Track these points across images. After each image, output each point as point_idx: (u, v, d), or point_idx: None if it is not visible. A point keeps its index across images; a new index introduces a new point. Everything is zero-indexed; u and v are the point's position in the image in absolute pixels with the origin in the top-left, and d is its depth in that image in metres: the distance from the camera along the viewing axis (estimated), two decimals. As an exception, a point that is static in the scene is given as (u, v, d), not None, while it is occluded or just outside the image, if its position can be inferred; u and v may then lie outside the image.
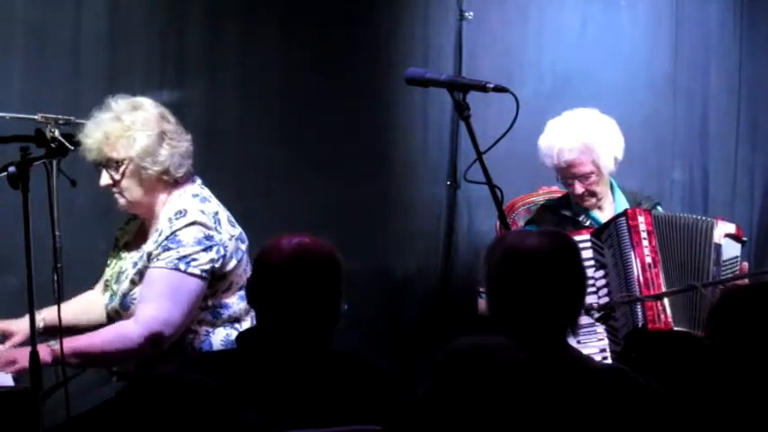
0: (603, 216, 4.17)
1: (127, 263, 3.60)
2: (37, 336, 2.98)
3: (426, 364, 2.08)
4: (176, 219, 3.45)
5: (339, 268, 2.79)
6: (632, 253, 3.81)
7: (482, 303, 4.16)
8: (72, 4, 4.41)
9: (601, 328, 3.81)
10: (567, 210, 4.23)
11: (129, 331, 3.39)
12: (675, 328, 3.75)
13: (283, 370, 2.70)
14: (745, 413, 2.35)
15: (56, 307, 3.17)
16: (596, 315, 3.79)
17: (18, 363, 3.25)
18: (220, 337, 3.53)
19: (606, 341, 3.80)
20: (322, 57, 4.80)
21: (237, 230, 3.57)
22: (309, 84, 4.77)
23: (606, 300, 3.83)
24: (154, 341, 3.36)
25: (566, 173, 4.14)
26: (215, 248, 3.45)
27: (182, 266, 3.40)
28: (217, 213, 3.52)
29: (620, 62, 5.25)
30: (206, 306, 3.51)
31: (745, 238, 4.02)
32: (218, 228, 3.49)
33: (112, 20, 4.46)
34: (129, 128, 3.47)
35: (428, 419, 2.02)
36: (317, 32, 4.80)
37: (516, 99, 3.22)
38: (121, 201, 3.54)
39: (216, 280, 3.49)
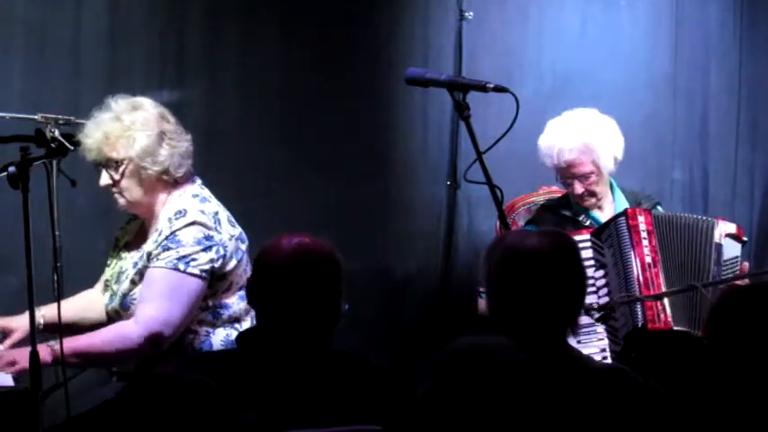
0: (603, 216, 4.17)
1: (127, 263, 3.60)
2: (37, 333, 2.98)
3: (426, 364, 2.08)
4: (176, 219, 3.45)
5: (339, 268, 2.79)
6: (632, 253, 3.81)
7: (482, 303, 4.16)
8: (72, 4, 4.41)
9: (601, 328, 3.81)
10: (567, 210, 4.23)
11: (129, 331, 3.39)
12: (675, 328, 3.75)
13: (283, 370, 2.70)
14: (744, 413, 2.35)
15: (55, 304, 3.17)
16: (596, 315, 3.79)
17: (18, 363, 3.25)
18: (220, 337, 3.53)
19: (606, 341, 3.80)
20: (322, 57, 4.80)
21: (237, 230, 3.57)
22: (309, 84, 4.77)
23: (606, 300, 3.83)
24: (154, 341, 3.36)
25: (566, 173, 4.14)
26: (215, 248, 3.45)
27: (181, 266, 3.40)
28: (217, 213, 3.52)
29: (620, 62, 5.25)
30: (206, 306, 3.51)
31: (745, 238, 4.02)
32: (218, 228, 3.49)
33: (112, 20, 4.46)
34: (129, 128, 3.47)
35: (428, 419, 2.02)
36: (317, 32, 4.80)
37: (516, 99, 3.22)
38: (121, 201, 3.55)
39: (216, 280, 3.49)
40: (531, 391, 2.02)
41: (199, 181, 3.62)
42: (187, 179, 3.58)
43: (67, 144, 3.03)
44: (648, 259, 3.81)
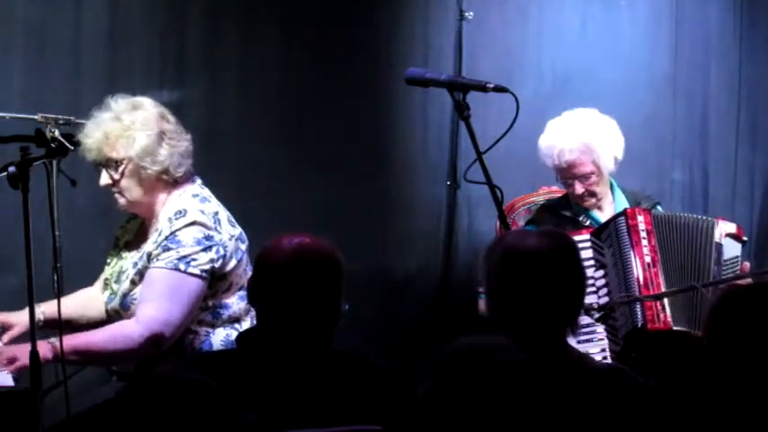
0: (603, 216, 4.17)
1: (127, 263, 3.60)
2: (36, 329, 2.98)
3: (426, 364, 2.08)
4: (176, 219, 3.45)
5: (339, 268, 2.79)
6: (632, 253, 3.81)
7: (482, 304, 4.16)
8: (72, 4, 4.41)
9: (601, 328, 3.81)
10: (566, 210, 4.23)
11: (129, 331, 3.39)
12: (675, 328, 3.75)
13: (283, 370, 2.70)
14: (744, 413, 2.35)
15: (55, 300, 3.17)
16: (596, 315, 3.79)
17: (18, 360, 3.25)
18: (220, 337, 3.53)
19: (606, 341, 3.80)
20: (322, 57, 4.80)
21: (237, 230, 3.57)
22: (309, 84, 4.77)
23: (606, 300, 3.84)
24: (154, 341, 3.36)
25: (566, 173, 4.14)
26: (215, 248, 3.45)
27: (181, 266, 3.40)
28: (217, 213, 3.52)
29: (620, 62, 5.25)
30: (206, 306, 3.51)
31: (745, 238, 4.02)
32: (218, 228, 3.49)
33: (112, 20, 4.46)
34: (129, 128, 3.47)
35: (428, 419, 2.02)
36: (317, 32, 4.80)
37: (516, 99, 3.22)
38: (121, 200, 3.55)
39: (216, 280, 3.49)
40: (531, 392, 2.02)
41: (199, 181, 3.62)
42: (187, 179, 3.58)
43: (67, 144, 3.03)
44: (648, 259, 3.81)
